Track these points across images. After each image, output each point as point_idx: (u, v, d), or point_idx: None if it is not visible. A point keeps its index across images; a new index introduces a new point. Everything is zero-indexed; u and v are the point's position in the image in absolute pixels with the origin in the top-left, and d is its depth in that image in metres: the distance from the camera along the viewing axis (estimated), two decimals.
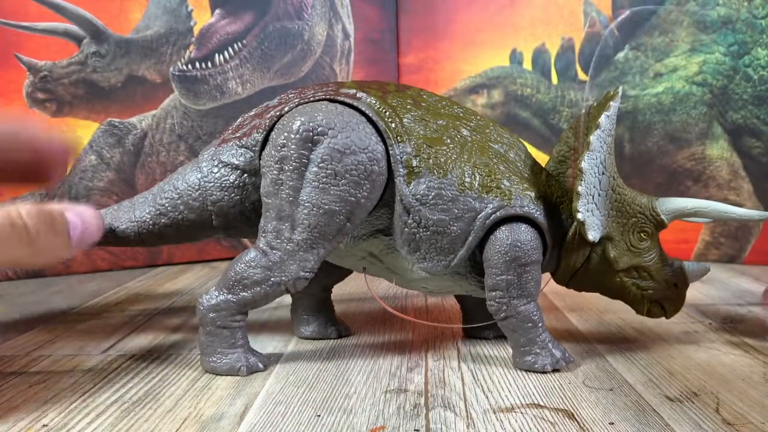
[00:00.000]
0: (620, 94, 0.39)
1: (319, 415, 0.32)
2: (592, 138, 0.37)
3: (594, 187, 0.37)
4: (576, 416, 0.32)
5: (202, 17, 0.74)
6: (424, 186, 0.37)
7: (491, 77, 0.77)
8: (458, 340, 0.44)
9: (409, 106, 0.39)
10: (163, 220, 0.41)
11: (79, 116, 0.70)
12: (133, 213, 0.41)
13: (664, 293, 0.39)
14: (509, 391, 0.35)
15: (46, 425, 0.32)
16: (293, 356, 0.41)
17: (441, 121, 0.39)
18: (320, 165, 0.37)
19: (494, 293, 0.37)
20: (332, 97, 0.39)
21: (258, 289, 0.37)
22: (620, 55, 0.72)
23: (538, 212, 0.38)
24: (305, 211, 0.37)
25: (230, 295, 0.37)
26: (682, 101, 0.69)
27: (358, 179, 0.37)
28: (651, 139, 0.71)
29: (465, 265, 0.39)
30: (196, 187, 0.40)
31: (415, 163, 0.37)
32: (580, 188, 0.37)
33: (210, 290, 0.38)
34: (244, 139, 0.40)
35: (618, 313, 0.49)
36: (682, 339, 0.43)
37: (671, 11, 0.69)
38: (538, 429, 0.31)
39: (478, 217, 0.37)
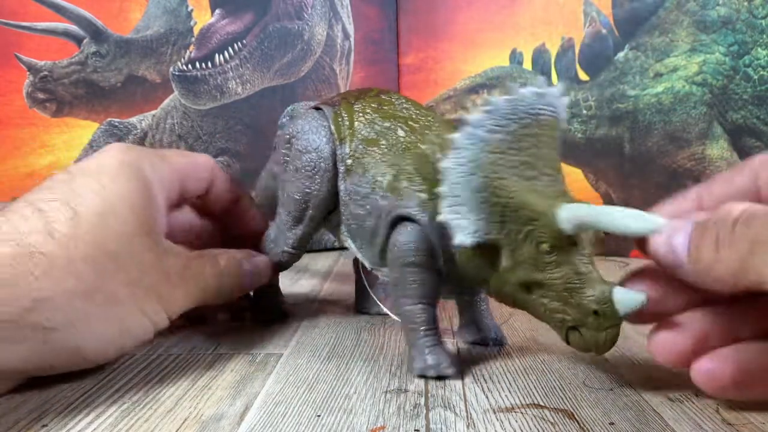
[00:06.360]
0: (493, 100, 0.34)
1: (319, 415, 0.32)
2: (455, 136, 0.34)
3: (461, 188, 0.34)
4: (576, 416, 0.32)
5: (202, 17, 0.74)
6: (352, 183, 0.41)
7: (491, 77, 0.77)
8: (458, 341, 0.44)
9: (369, 111, 0.43)
10: (257, 200, 0.52)
11: (79, 116, 0.70)
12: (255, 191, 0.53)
13: (580, 321, 0.33)
14: (509, 391, 0.35)
15: (46, 425, 0.32)
16: (293, 356, 0.41)
17: (387, 123, 0.42)
18: (291, 162, 0.44)
19: (391, 288, 0.40)
20: (318, 104, 0.45)
21: (269, 255, 0.46)
22: (620, 55, 0.72)
23: (422, 214, 0.37)
24: (284, 198, 0.45)
25: None
26: (682, 101, 0.69)
27: (310, 173, 0.43)
28: (651, 139, 0.71)
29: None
30: (263, 177, 0.52)
31: (349, 162, 0.42)
32: (441, 188, 0.34)
33: None
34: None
35: None
36: None
37: (671, 11, 0.69)
38: (538, 429, 0.31)
39: (381, 215, 0.39)
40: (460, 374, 0.37)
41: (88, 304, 0.34)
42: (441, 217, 0.35)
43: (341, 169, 0.42)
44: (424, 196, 0.38)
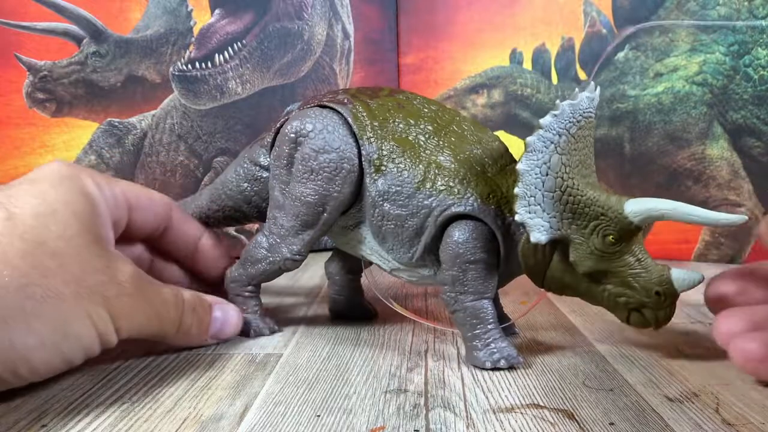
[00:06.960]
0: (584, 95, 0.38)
1: (319, 415, 0.32)
2: (530, 139, 0.37)
3: (536, 188, 0.37)
4: (576, 416, 0.32)
5: (202, 17, 0.74)
6: (387, 183, 0.40)
7: (491, 77, 0.77)
8: (458, 340, 0.44)
9: (390, 110, 0.42)
10: (213, 207, 0.48)
11: (79, 116, 0.70)
12: (200, 200, 0.49)
13: (643, 301, 0.37)
14: (509, 391, 0.35)
15: (46, 425, 0.32)
16: (293, 356, 0.41)
17: (414, 122, 0.41)
18: (301, 162, 0.42)
19: (445, 287, 0.40)
20: (324, 103, 0.43)
21: (259, 266, 0.44)
22: (620, 55, 0.72)
23: (485, 212, 0.38)
24: (290, 201, 0.42)
25: (242, 269, 0.45)
26: (682, 101, 0.69)
27: (330, 175, 0.41)
28: (651, 139, 0.71)
29: (430, 258, 0.40)
30: (233, 179, 0.47)
31: (380, 162, 0.41)
32: (517, 189, 0.37)
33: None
34: (266, 140, 0.46)
35: None
36: (682, 339, 0.43)
37: (671, 11, 0.69)
38: (538, 429, 0.31)
39: (431, 214, 0.39)
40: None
41: (24, 298, 0.32)
42: (517, 217, 0.37)
43: (369, 169, 0.41)
44: (483, 194, 0.39)
